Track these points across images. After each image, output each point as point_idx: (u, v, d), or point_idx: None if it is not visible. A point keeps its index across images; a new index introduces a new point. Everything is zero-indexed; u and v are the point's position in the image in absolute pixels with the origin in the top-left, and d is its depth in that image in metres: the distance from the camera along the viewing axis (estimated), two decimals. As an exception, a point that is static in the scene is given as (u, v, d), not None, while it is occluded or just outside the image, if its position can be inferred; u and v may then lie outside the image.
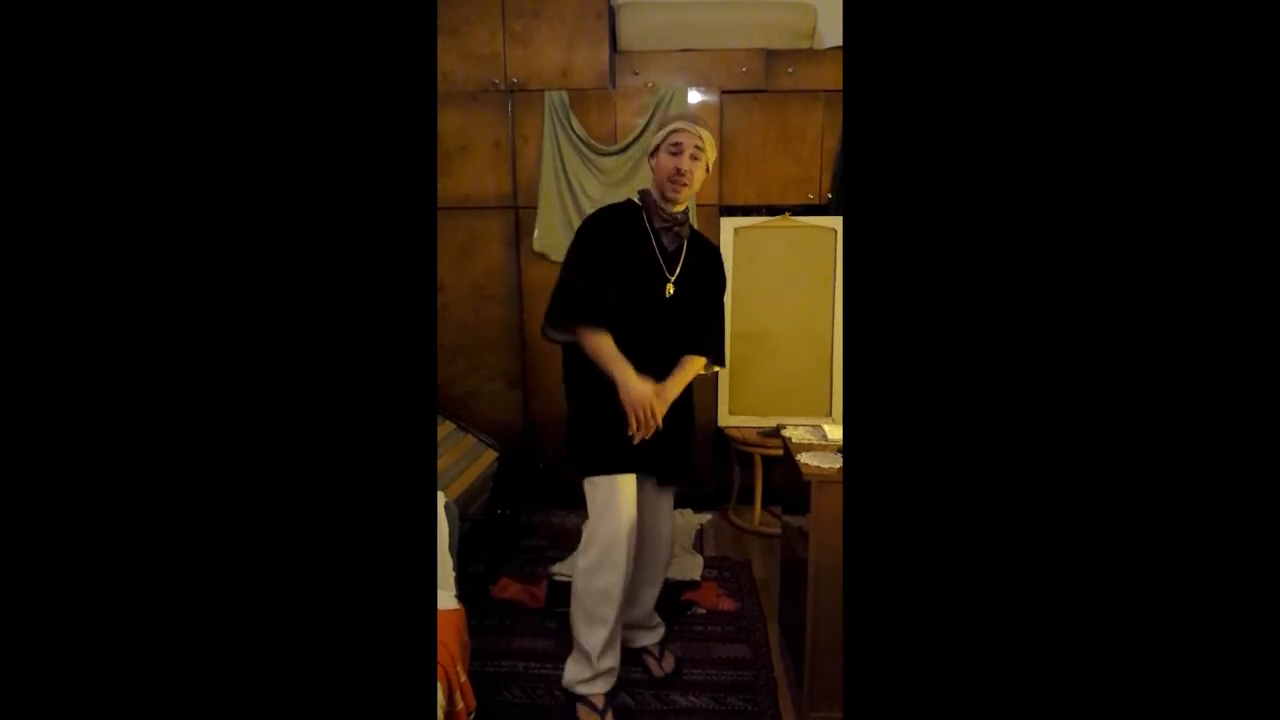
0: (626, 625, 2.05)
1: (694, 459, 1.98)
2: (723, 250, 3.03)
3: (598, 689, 1.92)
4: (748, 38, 3.03)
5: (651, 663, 2.12)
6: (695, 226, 2.03)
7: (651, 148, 1.85)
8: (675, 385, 1.87)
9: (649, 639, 2.14)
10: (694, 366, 1.92)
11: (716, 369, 2.02)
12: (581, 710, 1.92)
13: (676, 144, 1.78)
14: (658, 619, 2.16)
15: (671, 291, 1.85)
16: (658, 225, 1.86)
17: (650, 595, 2.10)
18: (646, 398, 1.76)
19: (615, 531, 1.82)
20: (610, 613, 1.86)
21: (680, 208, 1.86)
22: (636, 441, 1.78)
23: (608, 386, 1.78)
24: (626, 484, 1.85)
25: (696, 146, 1.78)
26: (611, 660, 1.92)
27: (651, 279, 1.85)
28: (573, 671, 1.94)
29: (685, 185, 1.80)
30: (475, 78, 3.01)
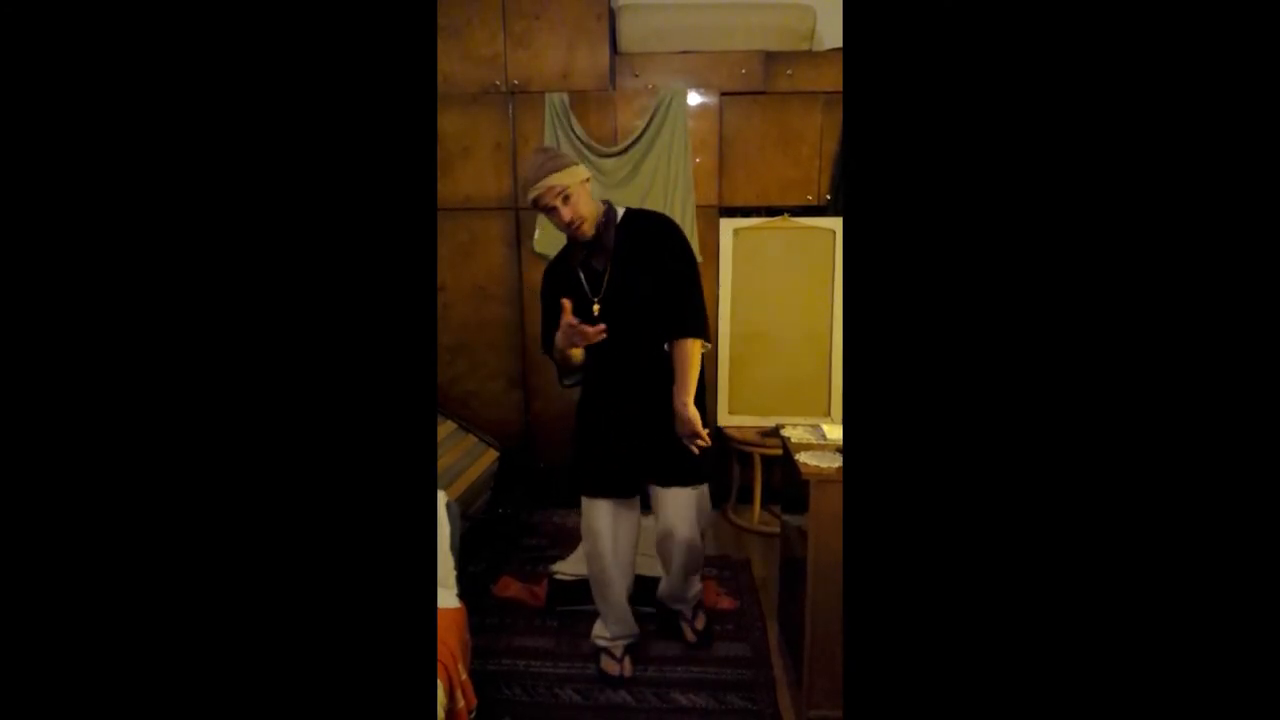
0: (666, 597, 2.30)
1: (697, 459, 1.97)
2: (722, 251, 3.06)
3: (618, 643, 2.16)
4: (747, 39, 3.04)
5: (685, 628, 2.30)
6: (645, 212, 2.03)
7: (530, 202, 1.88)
8: (688, 383, 1.89)
9: (683, 603, 2.31)
10: (692, 353, 1.89)
11: (704, 346, 1.94)
12: (604, 659, 2.17)
13: (548, 206, 1.83)
14: (691, 593, 2.28)
15: (598, 310, 1.91)
16: (582, 257, 1.94)
17: (672, 578, 2.21)
18: (571, 323, 1.80)
19: (593, 545, 2.08)
20: (609, 595, 2.12)
21: (588, 236, 1.89)
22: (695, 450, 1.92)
23: (591, 418, 2.03)
24: (600, 507, 2.05)
25: (561, 195, 1.81)
26: (621, 630, 2.16)
27: (580, 308, 1.88)
28: (597, 629, 2.20)
29: (579, 224, 1.85)
30: (476, 79, 3.02)
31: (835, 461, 1.86)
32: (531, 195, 1.84)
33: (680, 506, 2.05)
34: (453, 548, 1.89)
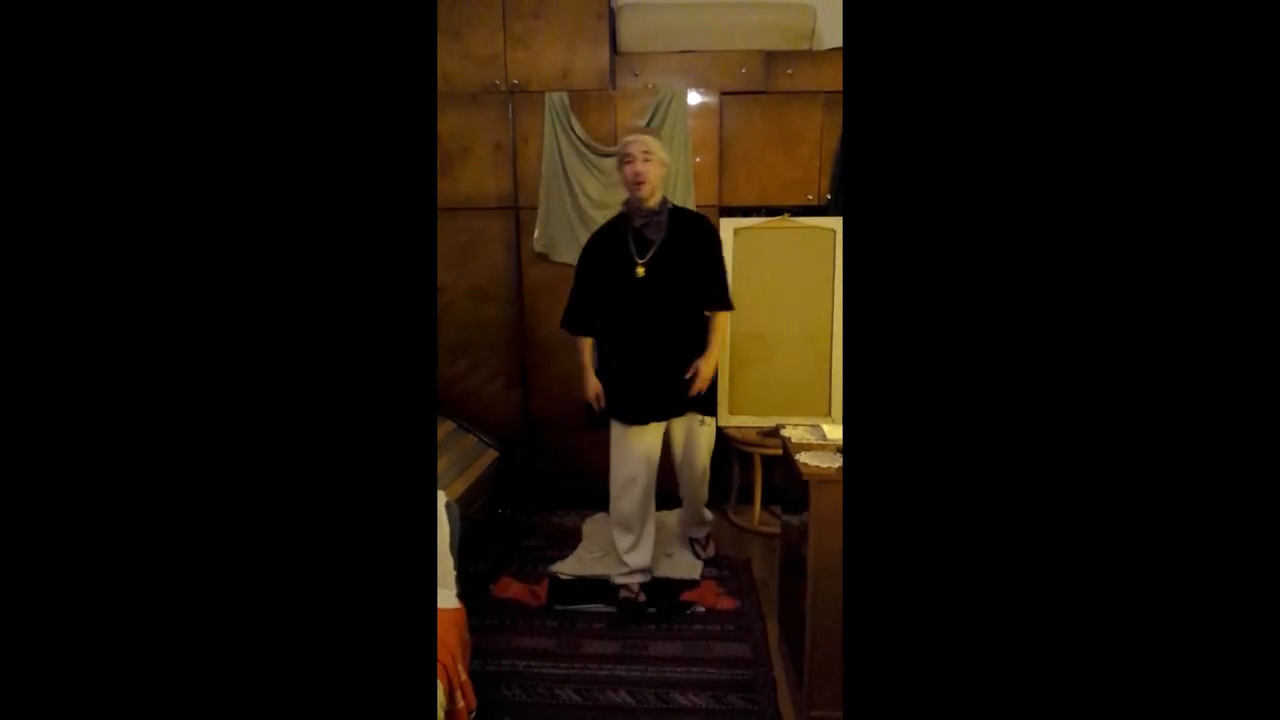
0: (684, 525, 2.80)
1: (711, 394, 2.54)
2: (723, 251, 3.05)
3: (633, 580, 2.51)
4: (747, 39, 3.03)
5: (698, 547, 2.81)
6: (688, 210, 2.56)
7: (616, 162, 2.39)
8: (715, 349, 2.43)
9: (698, 532, 2.82)
10: (721, 325, 2.46)
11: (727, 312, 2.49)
12: (623, 593, 2.49)
13: (628, 155, 2.30)
14: (707, 518, 2.81)
15: (643, 272, 2.36)
16: (638, 223, 2.38)
17: (693, 502, 2.72)
18: (591, 389, 2.46)
19: (631, 471, 2.45)
20: (635, 528, 2.50)
21: (653, 203, 2.36)
22: (596, 412, 2.49)
23: (620, 361, 2.43)
24: (636, 431, 2.44)
25: (645, 151, 2.28)
26: (639, 561, 2.51)
27: (624, 269, 2.37)
28: (614, 569, 2.56)
29: (642, 183, 2.30)
30: (476, 79, 3.01)
31: (835, 461, 1.86)
32: (624, 140, 2.33)
33: (698, 428, 2.56)
34: (452, 548, 1.89)
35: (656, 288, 2.38)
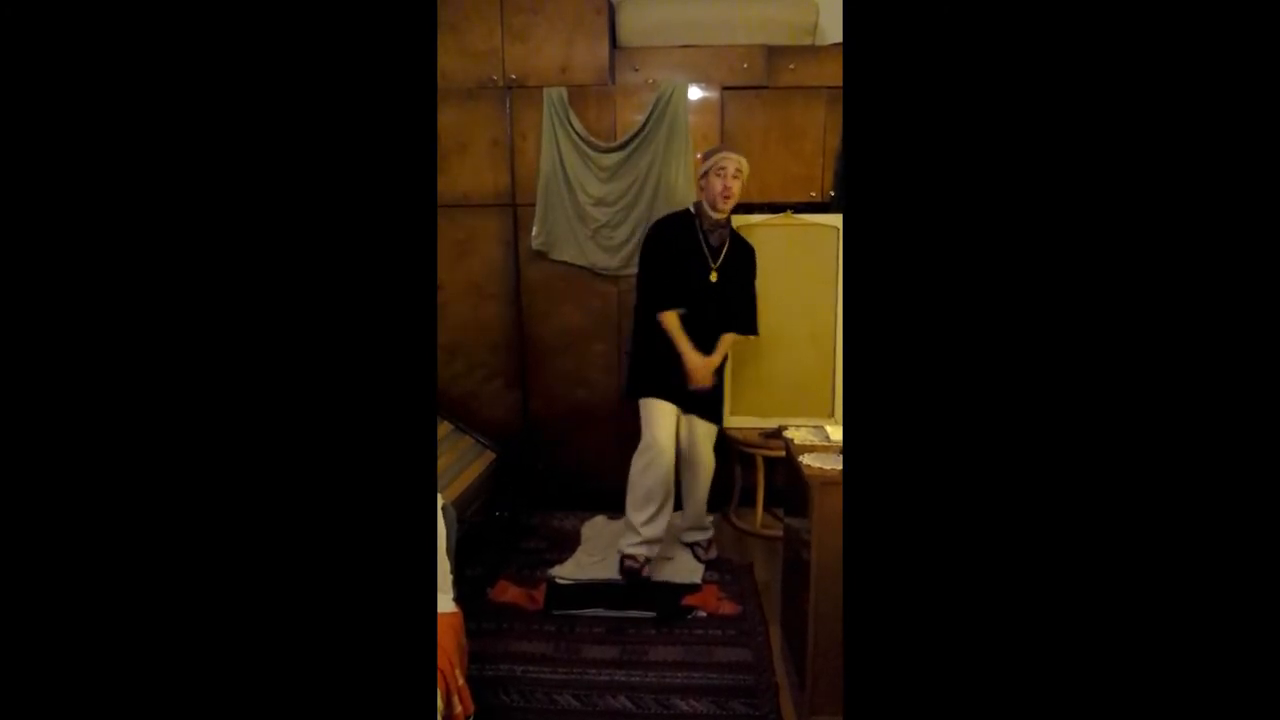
0: (683, 530, 2.85)
1: (719, 405, 2.75)
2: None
3: (640, 551, 2.58)
4: (749, 34, 3.00)
5: (699, 550, 2.84)
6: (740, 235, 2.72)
7: (701, 171, 2.53)
8: (718, 356, 2.61)
9: (699, 536, 2.86)
10: (729, 340, 2.65)
11: (754, 336, 2.74)
12: (627, 561, 2.59)
13: (722, 168, 2.44)
14: (707, 522, 2.87)
15: (715, 278, 2.56)
16: (706, 228, 2.54)
17: (696, 502, 2.80)
18: (701, 366, 2.54)
19: (661, 443, 2.56)
20: (655, 500, 2.57)
21: (724, 215, 2.51)
22: (693, 387, 2.55)
23: (661, 337, 2.56)
24: (667, 407, 2.58)
25: (738, 170, 2.44)
26: (653, 533, 2.59)
27: (700, 269, 2.55)
28: (623, 540, 2.63)
29: (729, 198, 2.47)
30: (474, 74, 2.98)
31: (838, 463, 1.84)
32: (720, 155, 2.45)
33: (708, 433, 2.72)
34: (449, 551, 1.86)
35: (720, 294, 2.59)
